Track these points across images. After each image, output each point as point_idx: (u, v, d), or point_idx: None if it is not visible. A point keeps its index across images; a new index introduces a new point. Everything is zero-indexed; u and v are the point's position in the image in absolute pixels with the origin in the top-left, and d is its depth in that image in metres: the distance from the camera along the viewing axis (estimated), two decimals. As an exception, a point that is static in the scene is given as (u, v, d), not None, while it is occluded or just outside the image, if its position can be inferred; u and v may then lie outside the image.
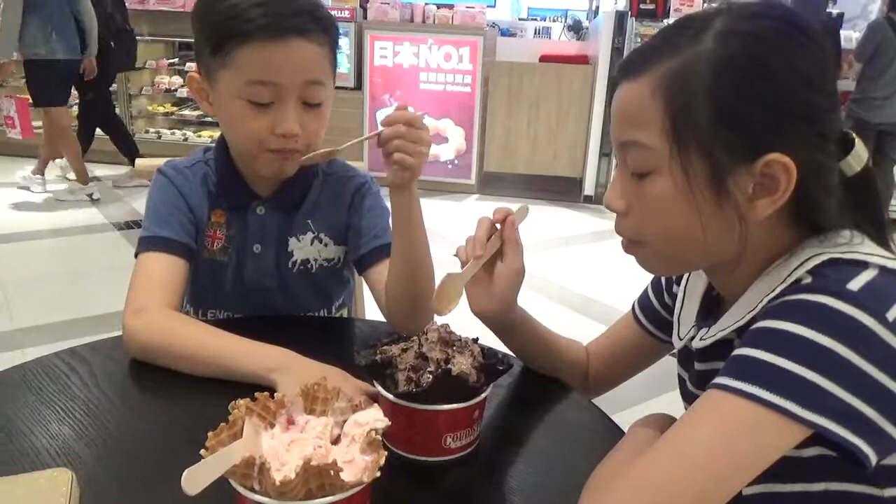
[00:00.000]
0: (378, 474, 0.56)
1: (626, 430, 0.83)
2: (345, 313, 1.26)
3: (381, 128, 0.94)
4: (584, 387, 1.00)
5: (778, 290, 0.63)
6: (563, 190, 5.37)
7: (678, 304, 0.84)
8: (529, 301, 0.89)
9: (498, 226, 0.88)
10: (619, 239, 0.75)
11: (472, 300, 0.89)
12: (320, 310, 1.20)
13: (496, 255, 0.87)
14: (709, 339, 0.72)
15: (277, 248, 1.12)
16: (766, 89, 0.62)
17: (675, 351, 0.85)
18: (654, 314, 0.93)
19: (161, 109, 5.81)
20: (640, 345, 0.96)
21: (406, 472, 0.75)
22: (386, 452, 0.58)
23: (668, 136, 0.64)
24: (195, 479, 0.49)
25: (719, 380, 0.60)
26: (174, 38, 5.69)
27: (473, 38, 5.08)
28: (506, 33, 6.36)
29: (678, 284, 0.86)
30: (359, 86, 5.30)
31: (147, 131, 5.76)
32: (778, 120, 0.62)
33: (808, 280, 0.62)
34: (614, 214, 0.73)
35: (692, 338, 0.77)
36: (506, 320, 0.92)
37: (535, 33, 6.82)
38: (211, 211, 1.11)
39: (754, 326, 0.62)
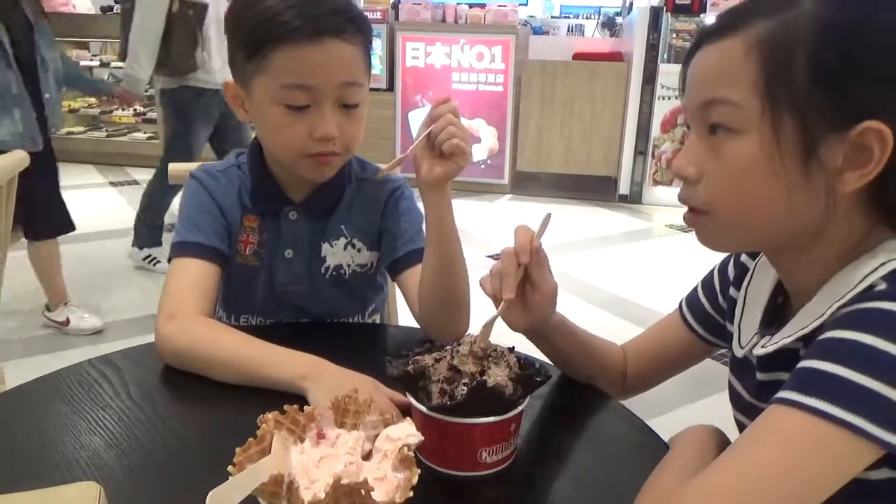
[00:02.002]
0: (410, 494, 0.54)
1: (666, 439, 0.80)
2: (377, 319, 1.25)
3: (415, 128, 0.93)
4: (621, 388, 0.97)
5: (848, 297, 0.59)
6: (597, 189, 5.30)
7: (738, 310, 0.79)
8: (563, 301, 0.86)
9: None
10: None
11: (509, 323, 0.85)
12: (353, 316, 1.18)
13: (523, 280, 0.82)
14: (771, 347, 0.68)
15: (310, 253, 1.11)
16: (869, 52, 0.59)
17: (718, 353, 0.81)
18: (704, 316, 0.90)
19: (197, 113, 5.88)
20: (684, 346, 0.93)
21: (440, 488, 0.72)
22: (419, 470, 0.55)
23: (760, 95, 0.61)
24: (221, 500, 0.47)
25: (783, 394, 0.56)
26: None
27: (505, 36, 5.04)
28: (538, 31, 6.30)
29: (737, 288, 0.82)
30: (391, 87, 5.31)
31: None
32: (880, 86, 0.59)
33: (883, 286, 0.58)
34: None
35: (754, 345, 0.73)
36: (542, 331, 0.90)
37: (569, 31, 6.74)
38: (243, 216, 1.10)
39: (821, 337, 0.58)
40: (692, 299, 0.92)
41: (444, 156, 0.92)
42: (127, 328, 2.84)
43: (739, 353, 0.77)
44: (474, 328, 0.80)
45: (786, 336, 0.66)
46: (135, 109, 6.01)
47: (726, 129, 0.64)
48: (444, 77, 5.19)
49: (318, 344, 0.89)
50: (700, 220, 0.69)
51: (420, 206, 1.05)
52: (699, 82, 0.67)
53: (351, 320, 1.18)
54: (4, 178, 1.32)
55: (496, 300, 0.81)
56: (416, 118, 5.27)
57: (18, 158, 1.37)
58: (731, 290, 0.84)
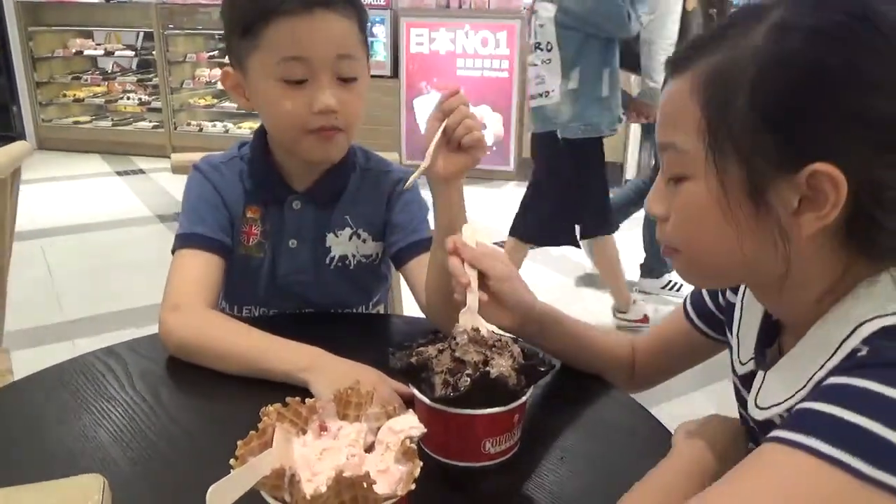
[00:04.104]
0: (413, 486, 0.53)
1: (672, 429, 0.80)
2: (381, 309, 1.24)
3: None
4: (630, 383, 0.96)
5: (828, 368, 0.57)
6: (603, 175, 5.27)
7: (736, 319, 0.78)
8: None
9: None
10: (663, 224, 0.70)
11: (495, 322, 0.85)
12: (358, 306, 1.18)
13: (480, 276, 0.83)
14: (762, 416, 0.65)
15: (314, 243, 1.11)
16: (813, 91, 0.55)
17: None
18: (706, 312, 0.88)
19: (202, 102, 5.88)
20: (690, 342, 0.91)
21: (443, 479, 0.72)
22: (421, 463, 0.55)
23: (703, 139, 0.59)
24: (221, 495, 0.47)
25: (777, 433, 0.53)
26: (213, 30, 5.75)
27: (510, 22, 4.99)
28: (543, 16, 6.24)
29: (734, 291, 0.81)
30: (395, 74, 5.27)
31: (188, 124, 5.84)
32: (827, 127, 0.55)
33: (864, 352, 0.55)
34: None
35: (753, 372, 0.71)
36: (528, 328, 0.89)
37: (574, 15, 6.67)
38: (246, 206, 1.10)
39: (817, 390, 0.56)
40: (695, 295, 0.90)
41: (460, 149, 0.89)
42: (131, 317, 2.84)
43: (739, 369, 0.75)
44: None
45: (775, 403, 0.64)
46: (140, 98, 6.02)
47: (676, 174, 0.63)
48: (448, 63, 5.16)
49: (323, 335, 0.89)
50: (672, 256, 0.68)
51: (424, 196, 1.04)
52: (658, 122, 0.65)
53: (355, 311, 1.18)
54: (8, 169, 1.32)
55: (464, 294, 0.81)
56: (421, 105, 5.25)
57: (20, 149, 1.37)
58: (729, 294, 0.82)
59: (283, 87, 0.96)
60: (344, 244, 1.12)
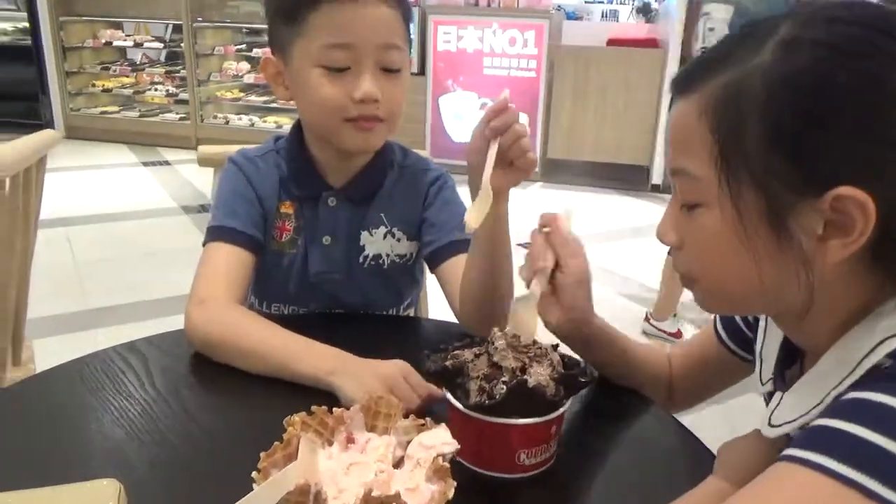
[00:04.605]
0: (446, 509, 0.50)
1: (706, 441, 0.76)
2: (412, 313, 1.21)
3: (469, 131, 0.85)
4: (669, 402, 0.92)
5: (847, 384, 0.53)
6: (629, 178, 5.20)
7: (760, 336, 0.73)
8: (594, 294, 0.82)
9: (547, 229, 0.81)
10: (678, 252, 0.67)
11: (545, 319, 0.82)
12: (389, 308, 1.15)
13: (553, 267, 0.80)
14: (773, 434, 0.62)
15: (348, 241, 1.08)
16: (831, 110, 0.51)
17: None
18: (735, 329, 0.83)
19: (229, 95, 5.89)
20: (722, 362, 0.86)
21: (476, 488, 0.68)
22: (455, 483, 0.52)
23: (716, 165, 0.55)
24: (243, 517, 0.44)
25: (789, 451, 0.51)
26: (242, 23, 5.76)
27: (539, 21, 4.94)
28: (572, 17, 6.16)
29: None
30: (422, 71, 5.24)
31: (215, 116, 5.86)
32: (850, 146, 0.51)
33: (888, 365, 0.52)
34: None
35: (772, 392, 0.67)
36: (583, 334, 0.85)
37: (603, 16, 6.59)
38: (280, 201, 1.07)
39: (833, 406, 0.53)
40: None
41: (510, 164, 0.84)
42: (154, 307, 2.84)
43: (761, 388, 0.71)
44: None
45: (787, 421, 0.61)
46: (167, 90, 6.05)
47: (689, 202, 0.59)
48: (475, 62, 5.12)
49: (351, 336, 0.87)
50: (690, 286, 0.65)
51: (462, 196, 1.00)
52: (669, 145, 0.61)
53: (386, 312, 1.15)
54: (34, 157, 1.31)
55: (530, 278, 0.80)
56: (447, 103, 5.21)
57: (48, 138, 1.35)
58: None
59: (324, 75, 0.95)
60: (378, 243, 1.09)
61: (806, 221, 0.53)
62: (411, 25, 4.58)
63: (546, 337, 0.77)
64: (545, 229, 0.81)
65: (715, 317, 0.87)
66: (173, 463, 0.70)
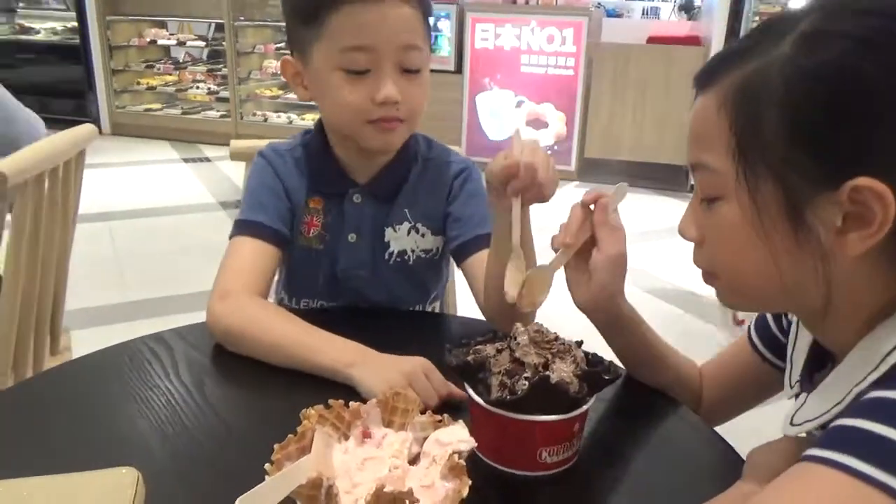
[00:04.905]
0: (459, 508, 0.49)
1: (737, 447, 0.73)
2: (437, 307, 1.20)
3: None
4: (697, 413, 0.89)
5: (870, 381, 0.52)
6: (668, 178, 5.10)
7: (791, 339, 0.71)
8: (630, 295, 0.81)
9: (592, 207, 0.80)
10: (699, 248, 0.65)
11: (571, 291, 0.82)
12: (415, 304, 1.14)
13: (590, 242, 0.79)
14: (794, 431, 0.61)
15: (374, 238, 1.07)
16: (856, 102, 0.51)
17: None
18: (769, 336, 0.81)
19: (268, 93, 5.97)
20: (756, 372, 0.83)
21: (496, 485, 0.67)
22: (470, 482, 0.50)
23: (734, 158, 0.55)
24: (250, 509, 0.44)
25: (811, 451, 0.50)
26: (282, 22, 5.81)
27: (578, 18, 4.88)
28: (612, 14, 6.09)
29: None
30: (459, 69, 5.23)
31: (254, 114, 5.94)
32: (869, 137, 0.51)
33: None
34: None
35: (796, 395, 0.65)
36: (609, 314, 0.83)
37: (643, 14, 6.49)
38: (308, 197, 1.07)
39: (855, 404, 0.52)
40: (759, 318, 0.83)
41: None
42: (191, 301, 2.88)
43: (789, 392, 0.69)
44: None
45: (808, 419, 0.60)
46: (209, 88, 6.15)
47: (708, 195, 0.59)
48: (513, 60, 5.08)
49: (376, 332, 0.86)
50: (711, 282, 0.64)
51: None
52: (689, 141, 0.61)
53: (412, 309, 1.14)
54: (73, 150, 1.33)
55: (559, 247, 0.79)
56: (484, 101, 5.19)
57: (85, 132, 1.38)
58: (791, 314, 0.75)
59: (345, 77, 0.94)
60: (402, 239, 1.08)
61: (824, 214, 0.53)
62: (449, 23, 4.51)
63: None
64: (579, 207, 0.80)
65: (749, 326, 0.85)
66: (195, 455, 0.70)
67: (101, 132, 5.83)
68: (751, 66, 0.55)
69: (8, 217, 1.20)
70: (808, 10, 0.54)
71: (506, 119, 5.14)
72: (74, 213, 1.45)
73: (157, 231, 3.85)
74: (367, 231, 1.07)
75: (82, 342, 1.54)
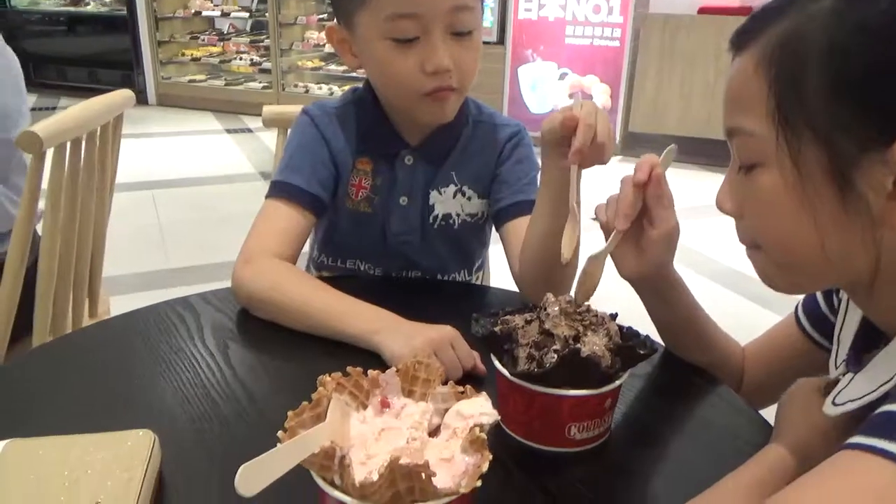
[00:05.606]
0: (478, 483, 0.46)
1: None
2: (481, 276, 1.17)
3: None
4: (738, 393, 0.84)
5: None
6: (716, 154, 4.93)
7: (840, 318, 0.66)
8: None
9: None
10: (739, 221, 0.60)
11: (617, 264, 0.77)
12: (460, 271, 1.11)
13: (641, 214, 0.74)
14: (834, 412, 0.57)
15: (422, 200, 1.04)
16: None
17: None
18: (818, 316, 0.76)
19: (309, 64, 5.96)
20: (801, 353, 0.79)
21: (522, 461, 0.65)
22: (491, 456, 0.48)
23: (773, 120, 0.51)
24: (252, 478, 0.42)
25: (854, 439, 0.47)
26: (324, -7, 5.80)
27: (626, -13, 4.74)
28: (662, -17, 5.89)
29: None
30: (501, 40, 5.13)
31: (296, 85, 5.95)
32: None
33: None
34: None
35: (839, 376, 0.61)
36: (657, 282, 0.79)
37: (696, -17, 6.27)
38: (357, 158, 1.03)
39: None
40: (808, 298, 0.78)
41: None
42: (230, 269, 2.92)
43: (833, 373, 0.64)
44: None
45: (852, 399, 0.55)
46: (251, 59, 6.18)
47: (746, 162, 0.54)
48: (557, 30, 4.96)
49: (404, 299, 0.84)
50: (755, 256, 0.59)
51: (537, 156, 0.95)
52: (724, 105, 0.57)
53: (457, 277, 1.11)
54: (109, 115, 1.33)
55: (607, 231, 0.74)
56: (526, 73, 5.09)
57: (123, 97, 1.38)
58: (842, 292, 0.70)
59: (392, 47, 0.89)
60: (448, 202, 1.05)
61: (873, 177, 0.48)
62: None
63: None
64: (631, 182, 0.73)
65: (797, 305, 0.80)
66: (214, 420, 0.69)
67: (147, 103, 5.89)
68: (789, 21, 0.51)
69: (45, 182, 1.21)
70: None
71: (548, 91, 5.03)
72: (112, 178, 1.46)
73: (200, 200, 3.90)
74: (417, 194, 1.04)
75: (123, 307, 1.56)
